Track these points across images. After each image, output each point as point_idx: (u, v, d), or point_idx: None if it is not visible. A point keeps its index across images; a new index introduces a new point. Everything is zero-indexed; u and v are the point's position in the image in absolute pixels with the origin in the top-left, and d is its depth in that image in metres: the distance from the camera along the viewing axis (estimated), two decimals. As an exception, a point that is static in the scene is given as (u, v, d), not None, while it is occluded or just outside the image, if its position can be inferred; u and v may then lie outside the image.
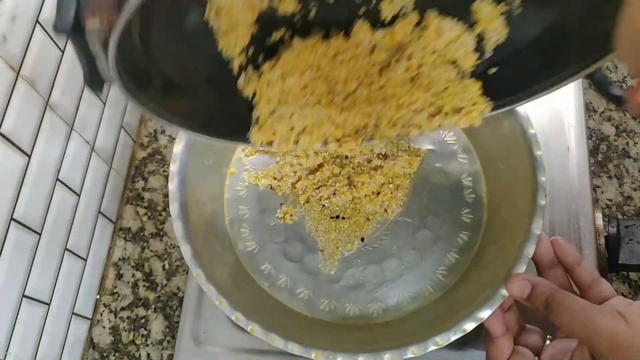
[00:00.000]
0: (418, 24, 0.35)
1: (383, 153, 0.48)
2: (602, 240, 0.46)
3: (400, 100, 0.35)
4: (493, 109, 0.35)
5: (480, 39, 0.35)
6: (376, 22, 0.35)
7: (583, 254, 0.46)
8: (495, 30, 0.35)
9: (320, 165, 0.48)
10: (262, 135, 0.35)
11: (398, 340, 0.38)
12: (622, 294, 0.51)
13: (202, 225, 0.44)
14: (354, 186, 0.46)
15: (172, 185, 0.42)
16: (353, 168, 0.47)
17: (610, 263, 0.46)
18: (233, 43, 0.33)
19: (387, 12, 0.35)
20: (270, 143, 0.35)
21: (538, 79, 0.36)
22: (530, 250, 0.38)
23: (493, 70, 0.36)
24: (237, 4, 0.31)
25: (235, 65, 0.33)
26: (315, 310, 0.45)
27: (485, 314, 0.36)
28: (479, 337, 0.44)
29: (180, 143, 0.43)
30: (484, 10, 0.34)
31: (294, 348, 0.37)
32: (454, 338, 0.37)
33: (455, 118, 0.35)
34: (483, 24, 0.35)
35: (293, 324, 0.43)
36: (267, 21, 0.33)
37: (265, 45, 0.34)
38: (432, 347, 0.36)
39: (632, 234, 0.45)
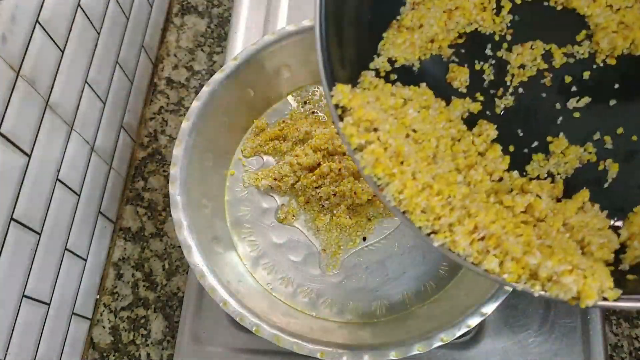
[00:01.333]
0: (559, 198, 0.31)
1: None
2: (602, 241, 0.46)
3: (501, 222, 0.27)
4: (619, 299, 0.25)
5: (624, 244, 0.29)
6: (519, 166, 0.32)
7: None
8: None
9: (319, 164, 0.48)
10: (349, 95, 0.28)
11: (403, 337, 0.38)
12: (622, 295, 0.51)
13: (204, 227, 0.44)
14: (355, 193, 0.46)
15: (173, 189, 0.42)
16: (353, 175, 0.47)
17: (610, 264, 0.46)
18: (396, 50, 0.33)
19: (534, 169, 0.32)
20: (344, 110, 0.28)
21: None
22: None
23: (631, 277, 0.27)
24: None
25: (378, 62, 0.33)
26: (319, 309, 0.45)
27: (489, 308, 0.37)
28: (481, 335, 0.44)
29: (181, 145, 0.43)
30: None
31: (300, 348, 0.37)
32: (458, 333, 0.37)
33: (561, 267, 0.25)
34: (633, 230, 0.29)
35: (296, 323, 0.43)
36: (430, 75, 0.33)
37: (410, 78, 0.33)
38: (438, 343, 0.37)
39: (632, 234, 0.45)
